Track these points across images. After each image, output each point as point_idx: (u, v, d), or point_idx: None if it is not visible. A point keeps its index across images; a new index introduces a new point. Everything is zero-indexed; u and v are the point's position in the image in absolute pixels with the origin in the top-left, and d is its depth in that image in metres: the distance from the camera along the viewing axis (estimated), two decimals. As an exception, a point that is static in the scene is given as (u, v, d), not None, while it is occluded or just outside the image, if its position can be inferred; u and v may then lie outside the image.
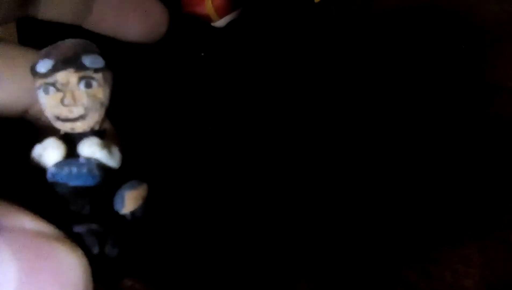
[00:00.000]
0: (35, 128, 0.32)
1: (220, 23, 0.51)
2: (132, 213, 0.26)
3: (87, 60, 0.26)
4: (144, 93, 0.47)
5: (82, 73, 0.26)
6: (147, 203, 0.26)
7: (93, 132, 0.27)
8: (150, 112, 0.47)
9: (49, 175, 0.25)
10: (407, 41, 0.53)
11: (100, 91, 0.27)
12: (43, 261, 0.22)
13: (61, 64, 0.26)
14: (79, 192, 0.25)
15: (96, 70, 0.26)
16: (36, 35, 0.39)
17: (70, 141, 0.26)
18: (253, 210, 0.43)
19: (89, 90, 0.26)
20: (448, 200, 0.43)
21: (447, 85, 0.50)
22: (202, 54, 0.50)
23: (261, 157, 0.46)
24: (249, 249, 0.41)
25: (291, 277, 0.40)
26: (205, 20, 0.51)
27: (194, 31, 0.51)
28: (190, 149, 0.46)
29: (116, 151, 0.26)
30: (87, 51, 0.26)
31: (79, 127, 0.27)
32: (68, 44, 0.27)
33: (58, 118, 0.27)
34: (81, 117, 0.26)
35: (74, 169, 0.25)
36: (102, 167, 0.26)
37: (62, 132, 0.27)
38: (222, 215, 0.42)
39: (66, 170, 0.25)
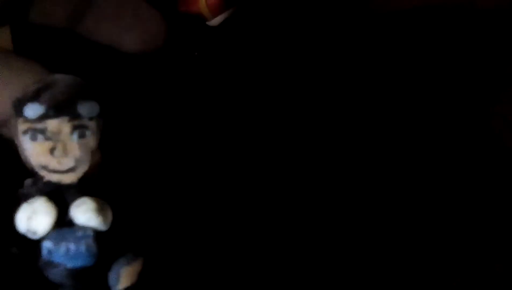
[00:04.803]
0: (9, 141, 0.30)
1: (214, 21, 0.50)
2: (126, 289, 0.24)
3: (83, 109, 0.24)
4: (137, 93, 0.45)
5: (76, 122, 0.24)
6: (141, 277, 0.24)
7: (80, 182, 0.25)
8: (141, 111, 0.45)
9: (44, 252, 0.23)
10: (407, 41, 0.51)
11: (93, 140, 0.24)
12: None
13: (54, 112, 0.24)
14: (77, 273, 0.23)
15: (91, 118, 0.24)
16: (32, 40, 0.37)
17: (56, 190, 0.24)
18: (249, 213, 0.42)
19: (82, 141, 0.24)
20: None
21: (448, 85, 0.49)
22: (196, 53, 0.48)
23: (256, 157, 0.45)
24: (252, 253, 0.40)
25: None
26: (199, 19, 0.49)
27: (188, 30, 0.49)
28: (184, 149, 0.44)
29: (108, 211, 0.24)
30: (83, 97, 0.24)
31: (67, 179, 0.24)
32: (61, 86, 0.24)
33: (44, 168, 0.24)
34: (70, 170, 0.24)
35: (72, 247, 0.23)
36: (97, 236, 0.24)
37: (45, 180, 0.25)
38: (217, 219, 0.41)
39: (63, 247, 0.23)
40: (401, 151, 0.46)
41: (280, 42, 0.50)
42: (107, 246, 0.24)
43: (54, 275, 0.23)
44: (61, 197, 0.24)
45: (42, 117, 0.24)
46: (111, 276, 0.24)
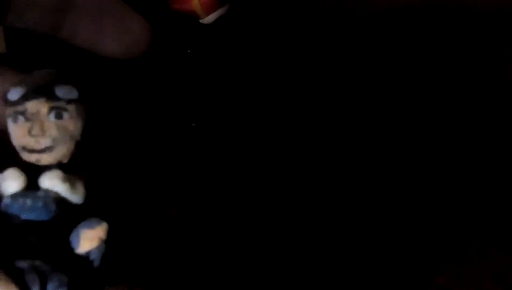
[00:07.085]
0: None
1: (208, 19, 0.50)
2: (88, 253, 0.25)
3: (59, 91, 0.25)
4: (129, 90, 0.46)
5: (53, 103, 0.25)
6: (105, 244, 0.25)
7: (59, 165, 0.26)
8: (133, 109, 0.46)
9: (2, 206, 0.25)
10: (403, 40, 0.52)
11: (71, 123, 0.26)
12: None
13: (32, 93, 0.25)
14: (30, 226, 0.24)
15: (69, 102, 0.25)
16: (25, 42, 0.38)
17: (35, 172, 0.26)
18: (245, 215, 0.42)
19: (59, 122, 0.25)
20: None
21: (444, 85, 0.49)
22: (189, 51, 0.49)
23: (248, 153, 0.45)
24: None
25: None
26: (192, 17, 0.50)
27: (181, 27, 0.49)
28: (174, 148, 0.45)
29: (80, 186, 0.25)
30: (61, 81, 0.25)
31: (45, 159, 0.25)
32: (42, 74, 0.26)
33: (24, 149, 0.25)
34: (48, 149, 0.25)
35: (28, 202, 0.24)
36: (61, 201, 0.25)
37: (26, 161, 0.26)
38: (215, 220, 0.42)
39: (20, 202, 0.24)
40: (396, 149, 0.46)
41: (273, 40, 0.51)
42: (71, 213, 0.25)
43: (10, 224, 0.25)
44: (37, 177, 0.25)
45: (22, 99, 0.25)
46: (72, 239, 0.25)
